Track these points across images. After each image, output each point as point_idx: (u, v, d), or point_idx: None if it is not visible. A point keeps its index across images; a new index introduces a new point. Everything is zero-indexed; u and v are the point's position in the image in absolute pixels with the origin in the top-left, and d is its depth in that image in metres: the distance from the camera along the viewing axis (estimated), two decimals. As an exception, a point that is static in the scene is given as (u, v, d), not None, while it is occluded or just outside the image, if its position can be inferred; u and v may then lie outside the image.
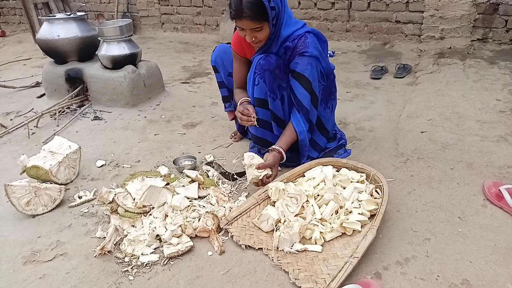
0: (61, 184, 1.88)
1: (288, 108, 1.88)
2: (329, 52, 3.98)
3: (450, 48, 3.69)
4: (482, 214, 1.57)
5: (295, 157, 1.95)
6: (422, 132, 2.17)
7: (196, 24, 5.31)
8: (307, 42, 1.73)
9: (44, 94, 3.14)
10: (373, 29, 4.23)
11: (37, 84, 3.46)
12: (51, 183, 1.86)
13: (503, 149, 1.95)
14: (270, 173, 1.73)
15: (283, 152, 1.79)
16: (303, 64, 1.74)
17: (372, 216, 1.53)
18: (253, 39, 1.70)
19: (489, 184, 1.70)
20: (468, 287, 1.25)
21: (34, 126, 2.61)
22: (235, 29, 1.90)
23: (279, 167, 1.98)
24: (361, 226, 1.49)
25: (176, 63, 4.14)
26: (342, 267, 1.29)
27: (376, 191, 1.64)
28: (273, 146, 1.81)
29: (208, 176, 1.91)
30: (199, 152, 2.21)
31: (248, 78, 1.88)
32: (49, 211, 1.75)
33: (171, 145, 2.31)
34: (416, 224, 1.54)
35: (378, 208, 1.50)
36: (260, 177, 1.70)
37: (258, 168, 1.71)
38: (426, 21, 3.93)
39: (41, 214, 1.73)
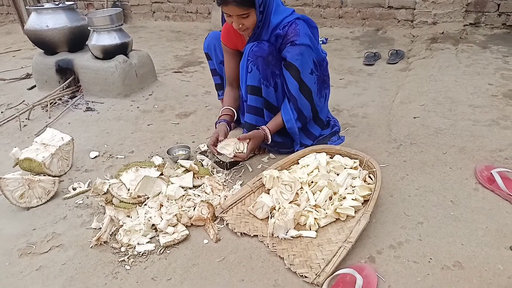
0: (54, 176, 1.87)
1: (281, 96, 1.88)
2: (322, 38, 3.97)
3: (442, 33, 3.69)
4: (474, 197, 1.59)
5: (288, 142, 1.96)
6: (415, 118, 2.19)
7: (187, 12, 5.24)
8: (298, 29, 1.72)
9: (35, 86, 3.10)
10: (366, 15, 4.21)
11: (28, 76, 3.42)
12: (45, 175, 1.86)
13: (495, 133, 1.97)
14: (242, 148, 1.78)
15: (267, 132, 1.84)
16: (294, 54, 1.74)
17: (365, 202, 1.55)
18: (240, 26, 1.69)
19: (481, 167, 1.72)
20: (460, 269, 1.27)
21: (26, 118, 2.59)
22: (223, 21, 1.88)
23: (272, 155, 1.99)
24: (355, 211, 1.51)
25: (168, 52, 4.10)
26: (336, 252, 1.31)
27: (370, 177, 1.65)
28: (261, 126, 1.87)
29: (202, 165, 1.91)
30: (193, 142, 2.20)
31: (240, 65, 1.87)
32: (43, 203, 1.75)
33: (165, 135, 2.30)
34: (409, 208, 1.55)
35: (371, 194, 1.52)
36: (231, 152, 1.76)
37: (239, 139, 1.78)
38: (419, 6, 3.92)
39: (35, 207, 1.73)
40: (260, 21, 1.70)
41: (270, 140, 1.85)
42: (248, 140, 1.80)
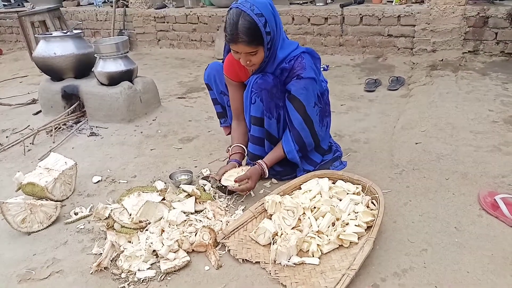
0: (57, 201, 1.87)
1: (283, 126, 1.91)
2: (323, 66, 4.04)
3: (442, 60, 3.75)
4: (478, 224, 1.58)
5: (289, 170, 1.97)
6: (416, 143, 2.19)
7: (192, 40, 5.37)
8: (304, 62, 1.76)
9: (40, 111, 3.15)
10: (366, 43, 4.30)
11: (34, 101, 3.47)
12: (47, 199, 1.86)
13: (497, 158, 1.97)
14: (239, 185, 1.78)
15: (264, 167, 1.87)
16: (299, 88, 1.77)
17: (368, 228, 1.53)
18: (248, 62, 1.73)
19: (484, 193, 1.71)
20: (466, 298, 1.24)
21: (30, 143, 2.61)
22: (226, 53, 1.93)
23: (274, 180, 1.99)
24: (358, 237, 1.49)
25: (172, 79, 4.18)
26: (340, 280, 1.28)
27: (372, 202, 1.64)
28: (258, 160, 1.89)
29: (204, 190, 1.91)
30: (196, 167, 2.21)
31: (244, 96, 1.90)
32: (44, 228, 1.74)
33: (168, 160, 2.31)
34: (413, 235, 1.54)
35: (374, 220, 1.51)
36: (229, 187, 1.79)
37: (236, 181, 1.78)
38: (418, 35, 4.00)
39: (36, 231, 1.72)
40: (267, 56, 1.74)
41: (267, 174, 1.88)
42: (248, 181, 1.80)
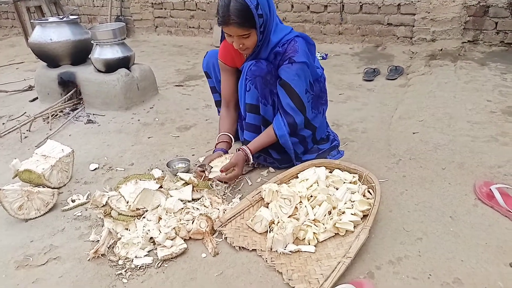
0: (54, 188, 1.87)
1: None
2: (322, 54, 4.02)
3: (441, 50, 3.73)
4: (474, 213, 1.59)
5: (287, 158, 1.97)
6: (414, 133, 2.20)
7: (189, 27, 5.32)
8: (297, 46, 1.74)
9: (36, 98, 3.13)
10: (366, 31, 4.27)
11: (30, 88, 3.45)
12: (44, 187, 1.86)
13: (494, 149, 1.98)
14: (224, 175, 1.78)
15: (248, 152, 1.83)
16: (290, 74, 1.76)
17: (364, 217, 1.54)
18: (241, 45, 1.71)
19: (480, 183, 1.72)
20: (460, 286, 1.26)
21: (27, 130, 2.60)
22: (222, 39, 1.91)
23: (272, 169, 2.00)
24: (354, 226, 1.50)
25: (169, 66, 4.15)
26: (335, 267, 1.30)
27: (369, 191, 1.65)
28: (242, 146, 1.87)
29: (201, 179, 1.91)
30: (193, 155, 2.21)
31: (239, 84, 1.89)
32: (41, 215, 1.74)
33: (165, 148, 2.31)
34: (408, 224, 1.55)
35: (370, 209, 1.52)
36: (216, 177, 1.78)
37: (222, 171, 1.77)
38: (418, 24, 3.98)
39: (33, 218, 1.72)
40: (260, 40, 1.73)
41: (251, 160, 1.85)
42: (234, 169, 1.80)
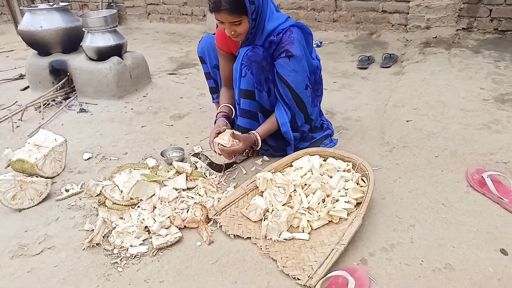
0: (47, 178, 1.86)
1: (274, 100, 1.89)
2: (316, 42, 3.99)
3: (435, 37, 3.72)
4: (465, 200, 1.61)
5: (282, 146, 1.97)
6: (407, 121, 2.20)
7: (182, 14, 5.24)
8: (292, 37, 1.73)
9: (28, 87, 3.09)
10: (360, 19, 4.24)
11: (21, 77, 3.40)
12: (37, 176, 1.85)
13: (486, 136, 1.99)
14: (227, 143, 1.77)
15: (258, 137, 1.84)
16: (288, 70, 1.75)
17: (358, 204, 1.56)
18: (232, 32, 1.70)
19: (472, 171, 1.73)
20: (451, 271, 1.28)
21: (19, 119, 2.57)
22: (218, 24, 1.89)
23: (266, 157, 2.00)
24: (348, 214, 1.52)
25: (163, 54, 4.10)
26: (329, 254, 1.31)
27: (362, 179, 1.66)
28: (251, 131, 1.87)
29: (196, 168, 1.91)
30: (187, 144, 2.20)
31: (234, 69, 1.88)
32: (35, 205, 1.73)
33: (159, 137, 2.30)
34: (401, 211, 1.57)
35: (364, 196, 1.53)
36: (219, 146, 1.76)
37: (232, 135, 1.78)
38: (412, 11, 3.95)
39: (27, 208, 1.72)
40: (253, 27, 1.71)
41: (260, 145, 1.86)
42: (239, 142, 1.79)
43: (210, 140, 1.85)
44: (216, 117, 2.00)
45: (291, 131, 1.88)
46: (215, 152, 1.82)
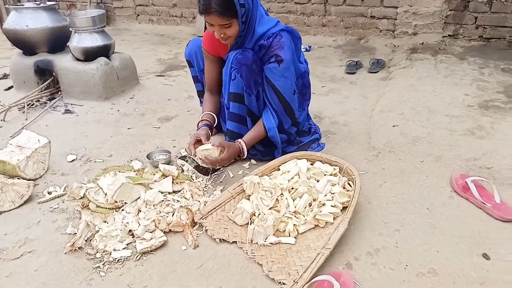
0: (29, 180, 1.83)
1: (263, 105, 1.89)
2: (305, 46, 4.01)
3: (422, 43, 3.78)
4: (449, 205, 1.63)
5: (270, 151, 1.97)
6: (394, 126, 2.22)
7: (172, 16, 5.22)
8: (282, 41, 1.73)
9: (12, 87, 3.03)
10: (349, 24, 4.28)
11: (5, 76, 3.34)
12: (19, 178, 1.81)
13: (470, 142, 2.02)
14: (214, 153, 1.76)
15: (243, 146, 1.85)
16: (277, 75, 1.75)
17: (344, 208, 1.56)
18: (222, 35, 1.69)
19: (456, 176, 1.76)
20: (435, 276, 1.29)
21: (1, 120, 2.52)
22: (206, 27, 1.88)
23: (253, 161, 2.00)
24: (334, 218, 1.52)
25: (151, 56, 4.07)
26: (315, 259, 1.31)
27: (349, 183, 1.67)
28: (238, 139, 1.87)
29: (183, 171, 1.89)
30: (174, 146, 2.18)
31: (223, 72, 1.87)
32: (16, 208, 1.69)
33: (145, 139, 2.27)
34: (387, 215, 1.58)
35: (350, 200, 1.53)
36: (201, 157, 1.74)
37: (213, 145, 1.76)
38: (400, 17, 4.01)
39: (8, 211, 1.67)
40: (242, 30, 1.70)
41: (245, 155, 1.86)
42: (222, 148, 1.79)
43: (189, 143, 1.82)
44: (198, 126, 1.97)
45: (278, 136, 1.88)
46: (193, 159, 1.79)
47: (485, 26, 3.73)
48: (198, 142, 1.83)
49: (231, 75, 1.80)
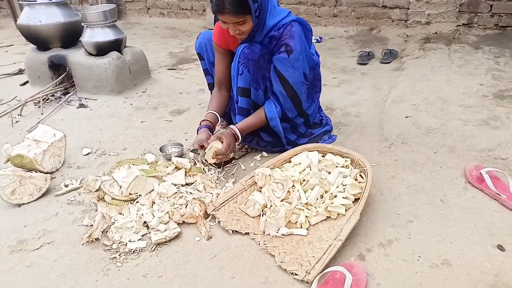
0: (46, 173, 1.87)
1: None
2: (316, 37, 3.98)
3: (436, 33, 3.71)
4: (463, 196, 1.61)
5: (279, 142, 1.97)
6: (406, 117, 2.20)
7: (182, 9, 5.23)
8: (293, 31, 1.72)
9: (27, 82, 3.08)
10: (360, 14, 4.22)
11: (20, 72, 3.39)
12: (36, 172, 1.85)
13: (485, 133, 1.99)
14: (219, 146, 1.78)
15: (236, 131, 1.83)
16: (287, 65, 1.74)
17: (356, 200, 1.56)
18: (237, 32, 1.68)
19: (470, 167, 1.74)
20: (448, 267, 1.29)
21: (18, 115, 2.57)
22: (216, 20, 1.87)
23: (265, 153, 2.00)
24: (346, 209, 1.52)
25: (162, 49, 4.09)
26: (327, 250, 1.32)
27: (361, 175, 1.67)
28: (230, 125, 1.87)
29: (195, 164, 1.91)
30: (186, 139, 2.20)
31: (232, 67, 1.87)
32: (34, 200, 1.74)
33: (158, 132, 2.30)
34: (399, 207, 1.57)
35: (362, 192, 1.53)
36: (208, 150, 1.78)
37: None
38: (413, 6, 3.94)
39: (26, 203, 1.72)
40: (256, 24, 1.70)
41: (240, 138, 1.84)
42: (222, 139, 1.80)
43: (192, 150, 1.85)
44: (200, 124, 1.98)
45: (280, 125, 1.88)
46: (203, 162, 1.86)
47: (501, 14, 3.64)
48: (202, 147, 1.85)
49: (238, 69, 1.80)
